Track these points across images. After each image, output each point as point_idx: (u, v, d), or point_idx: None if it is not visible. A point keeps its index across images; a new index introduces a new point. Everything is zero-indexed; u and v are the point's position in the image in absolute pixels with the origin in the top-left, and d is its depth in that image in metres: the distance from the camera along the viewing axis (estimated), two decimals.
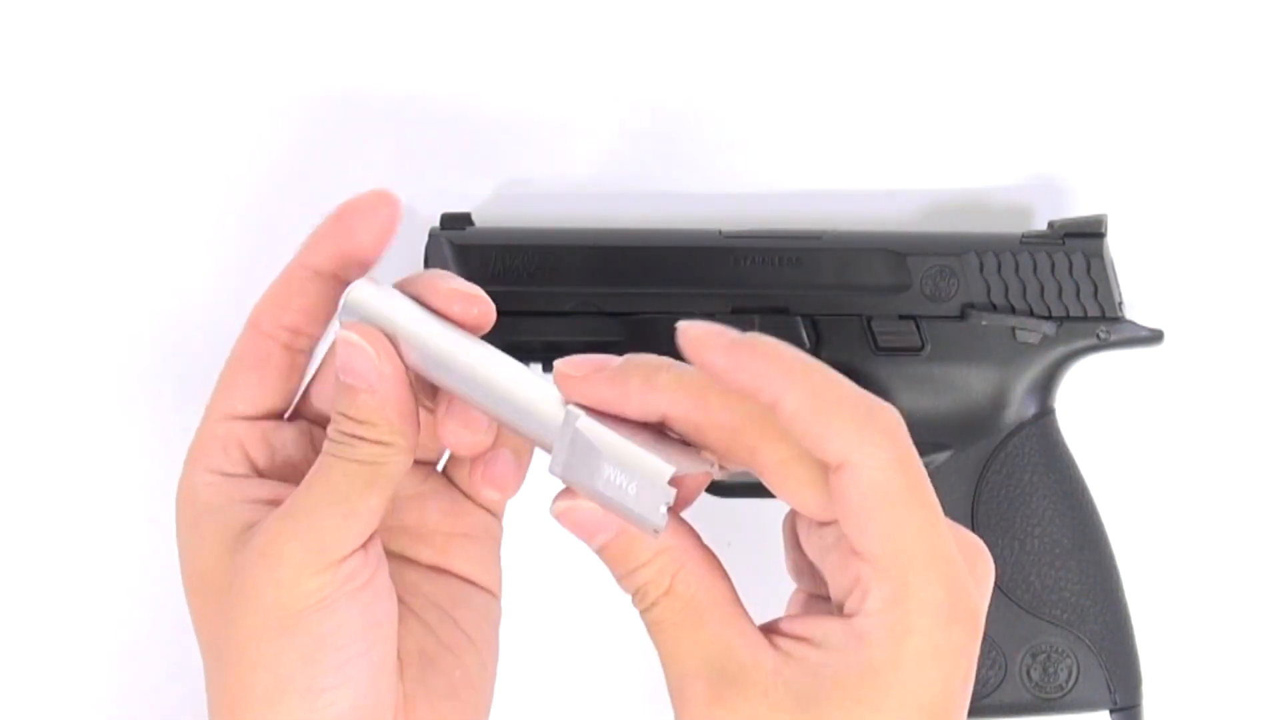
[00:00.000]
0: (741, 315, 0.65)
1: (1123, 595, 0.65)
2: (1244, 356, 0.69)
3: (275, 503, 0.52)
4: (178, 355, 0.69)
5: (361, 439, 0.50)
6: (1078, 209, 0.69)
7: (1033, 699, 0.64)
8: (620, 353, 0.65)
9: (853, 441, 0.46)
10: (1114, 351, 0.65)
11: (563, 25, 0.69)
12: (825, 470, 0.47)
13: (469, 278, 0.64)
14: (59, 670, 0.70)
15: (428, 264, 0.65)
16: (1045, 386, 0.65)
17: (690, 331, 0.48)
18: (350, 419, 0.51)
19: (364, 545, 0.51)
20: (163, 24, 0.69)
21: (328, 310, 0.54)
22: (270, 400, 0.55)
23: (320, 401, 0.56)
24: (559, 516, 0.50)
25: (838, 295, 0.65)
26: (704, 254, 0.65)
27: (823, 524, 0.49)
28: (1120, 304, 0.65)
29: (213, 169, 0.69)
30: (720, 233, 0.66)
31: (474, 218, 0.67)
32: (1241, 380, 0.69)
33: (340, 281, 0.54)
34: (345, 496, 0.50)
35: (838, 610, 0.49)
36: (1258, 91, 0.69)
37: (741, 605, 0.49)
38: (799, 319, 0.65)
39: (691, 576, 0.49)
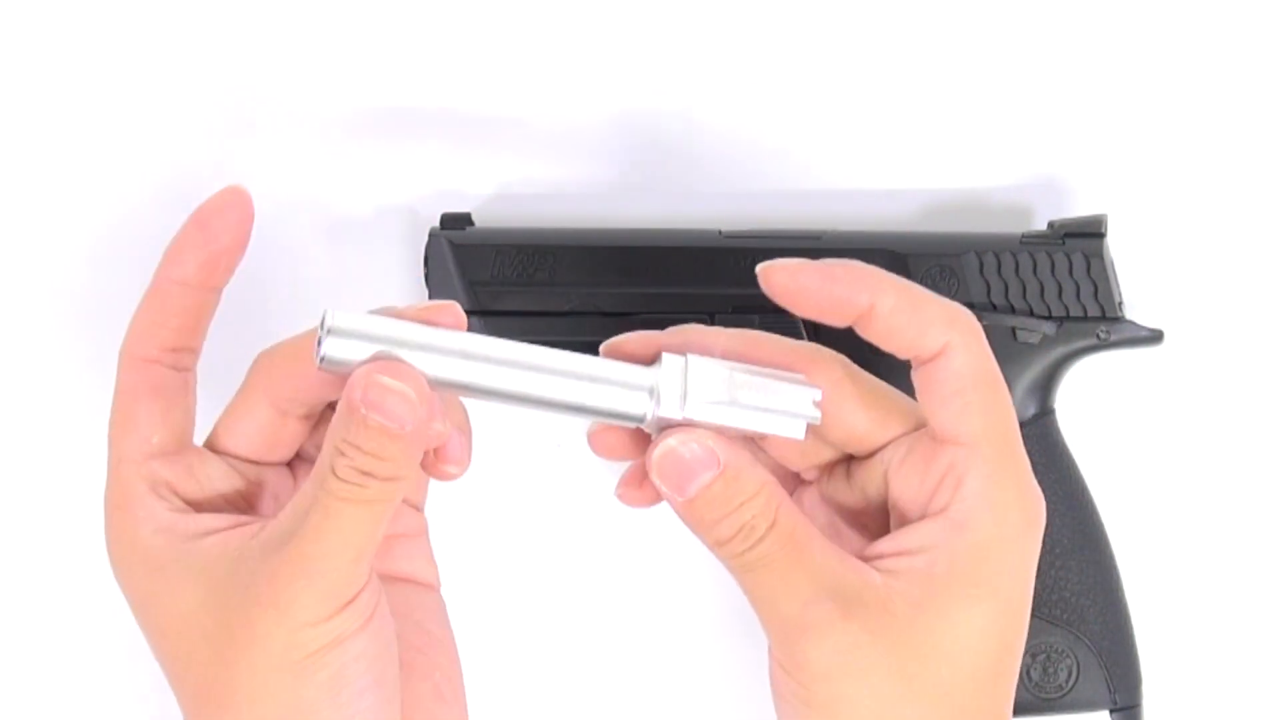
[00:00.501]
0: (741, 315, 0.65)
1: (1123, 595, 0.65)
2: (1244, 356, 0.69)
3: (237, 528, 0.51)
4: None
5: (373, 476, 0.48)
6: (1078, 209, 0.69)
7: (1033, 699, 0.64)
8: None
9: (948, 327, 0.49)
10: (1114, 351, 0.65)
11: (563, 26, 0.69)
12: (917, 363, 0.50)
13: (469, 278, 0.65)
14: (59, 670, 0.70)
15: (428, 264, 0.65)
16: (1045, 386, 0.65)
17: (776, 264, 0.50)
18: (368, 454, 0.48)
19: (368, 578, 0.51)
20: (165, 28, 0.69)
21: (203, 322, 0.53)
22: (178, 427, 0.53)
23: (234, 440, 0.54)
24: (664, 458, 0.49)
25: None
26: (704, 254, 0.65)
27: (872, 454, 0.52)
28: (1120, 304, 0.65)
29: (215, 167, 0.69)
30: (720, 233, 0.66)
31: (474, 218, 0.67)
32: (1241, 380, 0.69)
33: (208, 288, 0.52)
34: (356, 540, 0.49)
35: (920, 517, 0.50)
36: (1258, 91, 0.69)
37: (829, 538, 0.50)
38: (799, 319, 0.65)
39: (791, 509, 0.49)
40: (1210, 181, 0.69)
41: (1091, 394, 0.68)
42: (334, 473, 0.48)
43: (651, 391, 0.50)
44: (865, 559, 0.50)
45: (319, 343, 0.49)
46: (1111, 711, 0.64)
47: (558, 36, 0.69)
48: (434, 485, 0.59)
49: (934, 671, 0.49)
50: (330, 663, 0.50)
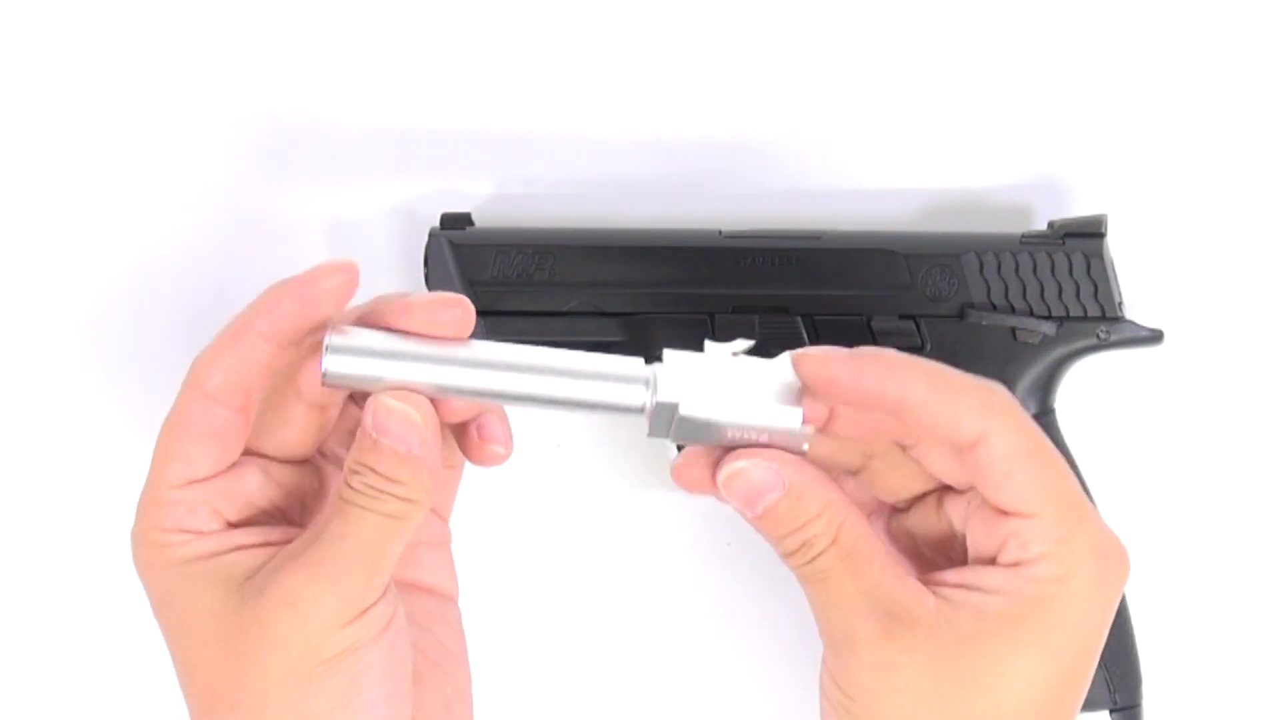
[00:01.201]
0: (741, 315, 0.65)
1: (1123, 595, 0.64)
2: (1244, 356, 0.69)
3: (267, 545, 0.52)
4: (189, 354, 0.69)
5: (390, 494, 0.50)
6: (1078, 209, 0.69)
7: None
8: (620, 352, 0.65)
9: (983, 416, 0.50)
10: (1114, 351, 0.65)
11: (562, 26, 0.69)
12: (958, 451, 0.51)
13: (469, 278, 0.65)
14: (59, 671, 0.70)
15: (428, 264, 0.65)
16: (1045, 386, 0.65)
17: (808, 355, 0.51)
18: (381, 475, 0.50)
19: (384, 589, 0.51)
20: (167, 29, 0.69)
21: (278, 367, 0.52)
22: (226, 460, 0.53)
23: (269, 443, 0.54)
24: (728, 482, 0.51)
25: (838, 295, 0.65)
26: (704, 254, 0.65)
27: (959, 493, 0.53)
28: (1120, 304, 0.65)
29: (216, 166, 0.69)
30: (720, 233, 0.66)
31: (474, 218, 0.67)
32: (1241, 380, 0.69)
33: (294, 347, 0.52)
34: (374, 548, 0.50)
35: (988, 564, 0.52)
36: (1258, 91, 0.69)
37: (895, 559, 0.52)
38: (799, 319, 0.65)
39: (853, 528, 0.51)
40: (1210, 181, 0.69)
41: (1091, 394, 0.68)
42: (353, 485, 0.50)
43: (648, 383, 0.51)
44: (929, 583, 0.51)
45: (322, 361, 0.51)
46: (1111, 711, 0.64)
47: (557, 37, 0.69)
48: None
49: (972, 705, 0.49)
50: (343, 671, 0.50)
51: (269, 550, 0.52)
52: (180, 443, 0.52)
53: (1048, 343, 0.65)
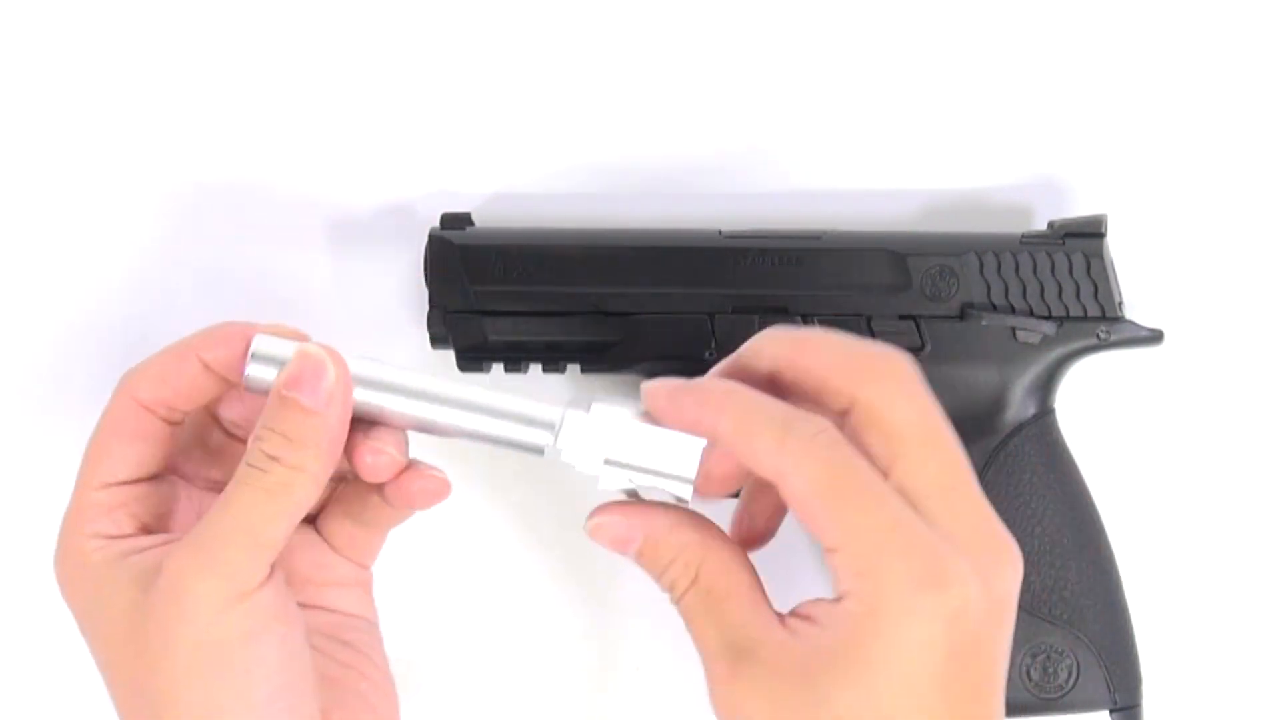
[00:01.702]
0: (741, 315, 0.65)
1: (1123, 595, 0.65)
2: (1244, 356, 0.69)
3: (171, 543, 0.53)
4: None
5: (278, 461, 0.51)
6: (1078, 209, 0.69)
7: (1032, 699, 0.64)
8: (620, 352, 0.65)
9: (777, 454, 0.49)
10: (1114, 351, 0.65)
11: (563, 27, 0.69)
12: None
13: (469, 278, 0.65)
14: (58, 670, 0.70)
15: (427, 264, 0.65)
16: (1045, 386, 0.65)
17: (648, 388, 0.53)
18: (280, 435, 0.51)
19: (270, 575, 0.52)
20: (166, 25, 0.69)
21: (208, 394, 0.55)
22: (150, 467, 0.55)
23: (182, 461, 0.57)
24: (594, 532, 0.53)
25: (838, 295, 0.65)
26: (704, 254, 0.65)
27: None
28: (1120, 304, 0.65)
29: (216, 165, 0.70)
30: (720, 233, 0.66)
31: (474, 218, 0.67)
32: (1241, 380, 0.69)
33: (225, 381, 0.55)
34: (252, 526, 0.51)
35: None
36: (1258, 91, 0.69)
37: (761, 591, 0.52)
38: (799, 319, 0.65)
39: (714, 567, 0.52)
40: (1210, 181, 0.69)
41: (1091, 394, 0.68)
42: (246, 461, 0.51)
43: (551, 428, 0.53)
44: (792, 613, 0.51)
45: (245, 365, 0.53)
46: (1111, 711, 0.64)
47: (558, 37, 0.69)
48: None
49: None
50: (236, 664, 0.51)
51: (171, 546, 0.53)
52: (108, 442, 0.54)
53: (1048, 343, 0.65)
